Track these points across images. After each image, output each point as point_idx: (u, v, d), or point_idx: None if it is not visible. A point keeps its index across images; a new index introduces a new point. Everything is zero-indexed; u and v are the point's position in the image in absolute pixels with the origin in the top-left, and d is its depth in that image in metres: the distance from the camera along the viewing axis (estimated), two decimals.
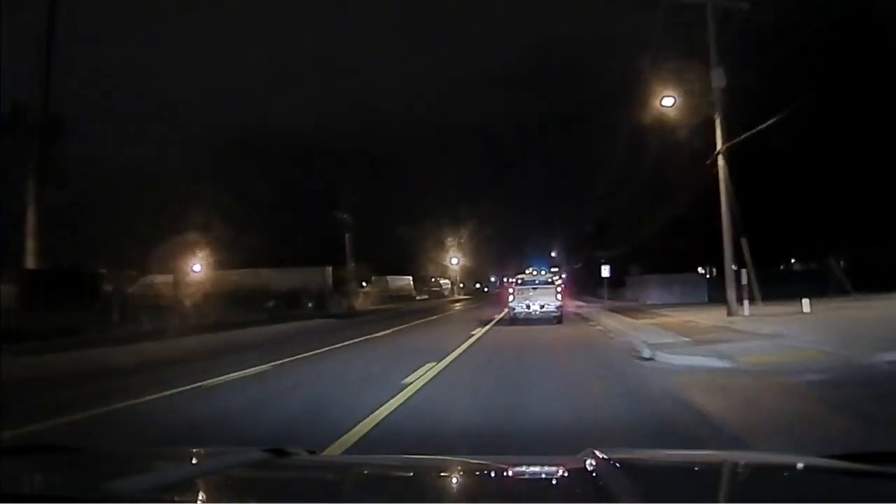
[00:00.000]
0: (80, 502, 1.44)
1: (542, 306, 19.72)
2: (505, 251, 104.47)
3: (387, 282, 62.81)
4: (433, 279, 77.55)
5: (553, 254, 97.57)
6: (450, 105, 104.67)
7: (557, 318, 19.69)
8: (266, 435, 5.67)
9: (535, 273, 23.25)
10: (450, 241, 79.44)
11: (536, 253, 75.78)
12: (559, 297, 20.25)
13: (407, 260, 76.94)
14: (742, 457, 2.31)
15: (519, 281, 20.99)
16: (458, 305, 48.30)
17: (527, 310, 19.73)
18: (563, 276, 68.07)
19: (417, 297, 68.82)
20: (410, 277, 68.76)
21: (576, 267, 78.12)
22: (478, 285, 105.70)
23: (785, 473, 1.78)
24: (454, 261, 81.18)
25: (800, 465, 1.78)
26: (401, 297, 64.55)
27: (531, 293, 20.18)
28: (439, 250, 79.36)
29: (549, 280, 21.23)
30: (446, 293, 76.34)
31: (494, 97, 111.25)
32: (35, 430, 6.11)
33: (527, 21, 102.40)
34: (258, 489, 1.80)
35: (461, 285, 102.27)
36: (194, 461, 2.09)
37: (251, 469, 1.88)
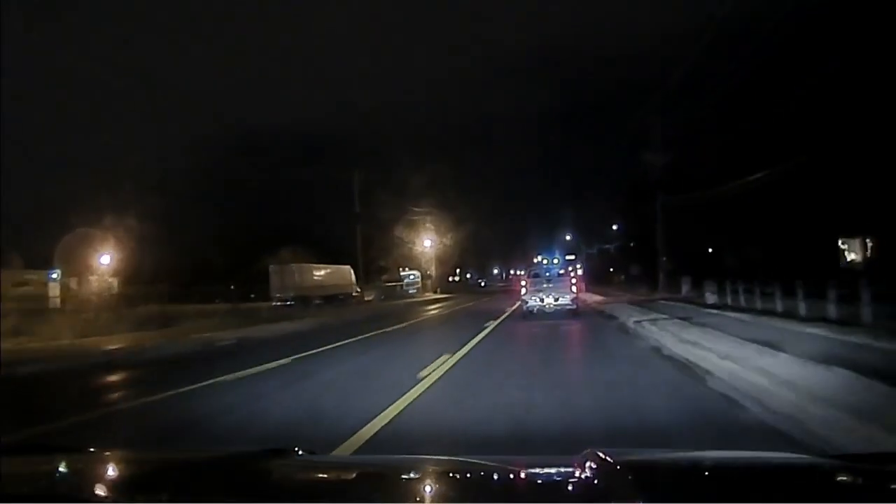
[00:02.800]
0: (80, 502, 1.43)
1: (556, 300, 18.14)
2: (511, 237, 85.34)
3: (293, 273, 38.17)
4: (402, 270, 52.79)
5: (568, 237, 75.59)
6: (451, 94, 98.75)
7: (573, 312, 18.07)
8: None
9: (546, 261, 23.15)
10: (421, 217, 54.64)
11: (547, 238, 64.62)
12: (574, 289, 18.64)
13: (365, 246, 53.08)
14: (742, 457, 2.17)
15: (532, 274, 19.64)
16: (410, 318, 23.64)
17: (540, 303, 18.16)
18: (580, 266, 46.62)
19: (366, 298, 44.29)
20: (348, 267, 43.93)
21: (607, 247, 54.56)
22: (461, 277, 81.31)
23: (785, 473, 1.76)
24: (427, 244, 56.13)
25: (800, 465, 1.84)
26: (329, 296, 40.22)
27: (545, 286, 18.50)
28: (409, 233, 54.75)
29: (563, 271, 19.60)
30: (413, 291, 51.41)
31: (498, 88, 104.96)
32: None
33: (529, 14, 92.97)
34: (258, 489, 1.76)
35: (451, 279, 77.95)
36: (194, 461, 2.03)
37: (251, 469, 1.90)
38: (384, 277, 51.20)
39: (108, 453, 2.39)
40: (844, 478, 1.63)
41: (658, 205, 24.71)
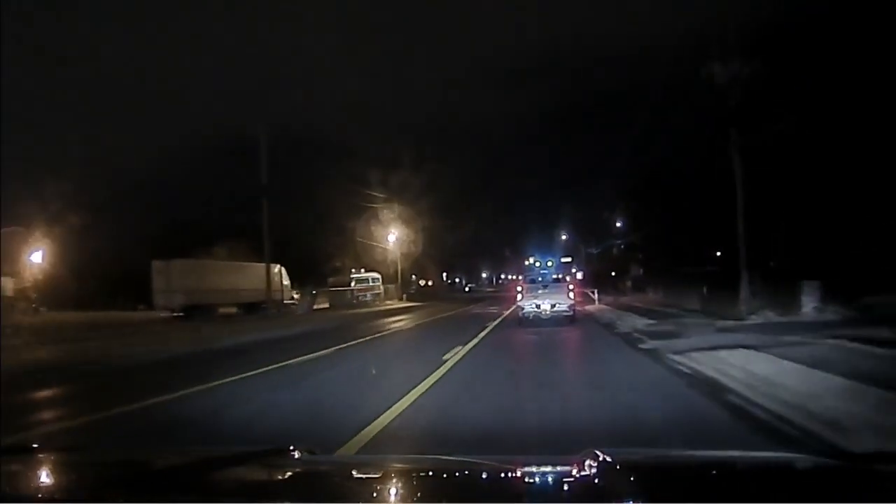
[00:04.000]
0: (80, 502, 1.41)
1: (553, 306, 17.01)
2: (503, 238, 78.17)
3: (181, 272, 27.14)
4: (354, 271, 41.58)
5: (564, 236, 66.07)
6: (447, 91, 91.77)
7: (570, 318, 17.05)
8: None
9: (538, 264, 22.33)
10: (384, 208, 43.84)
11: (542, 238, 57.01)
12: (572, 295, 17.51)
13: (318, 243, 42.93)
14: (742, 457, 2.17)
15: (528, 279, 18.78)
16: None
17: (536, 310, 17.04)
18: (575, 269, 44.36)
19: (303, 309, 33.33)
20: (276, 267, 32.72)
21: (618, 242, 44.23)
22: (435, 281, 71.08)
23: (785, 473, 1.73)
24: (391, 238, 45.09)
25: (800, 465, 1.82)
26: (246, 304, 29.54)
27: (541, 291, 17.61)
28: (373, 230, 43.98)
29: (559, 276, 18.97)
30: (370, 297, 40.28)
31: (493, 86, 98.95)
32: None
33: (524, 15, 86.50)
34: (258, 489, 1.73)
35: (427, 283, 67.29)
36: (194, 461, 1.92)
37: (251, 469, 1.86)
38: (331, 280, 39.98)
39: (107, 453, 2.42)
40: (844, 478, 1.58)
41: (734, 152, 13.97)
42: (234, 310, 30.90)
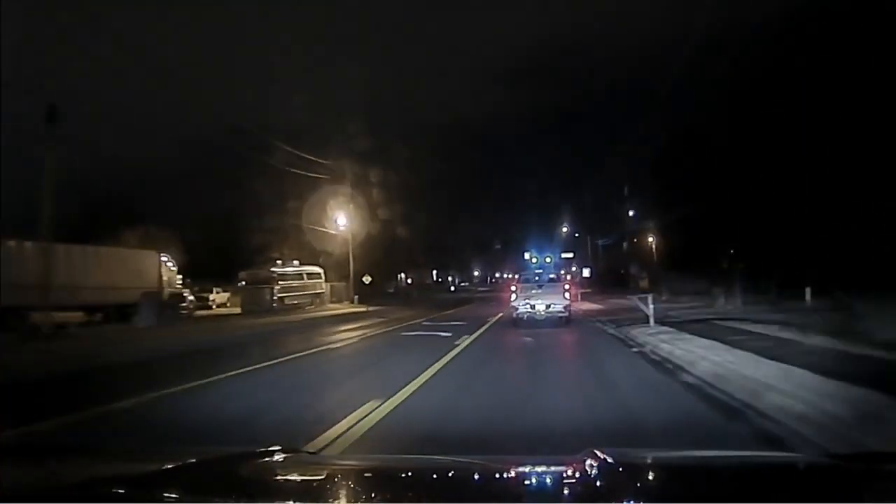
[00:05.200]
0: (80, 502, 1.40)
1: (548, 306, 16.51)
2: (497, 233, 75.76)
3: None
4: (279, 261, 32.03)
5: (565, 228, 58.32)
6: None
7: (566, 319, 16.50)
8: None
9: (535, 260, 21.27)
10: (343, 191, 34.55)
11: (540, 232, 54.51)
12: (567, 296, 16.98)
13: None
14: (742, 457, 2.18)
15: (523, 279, 18.24)
16: None
17: (531, 310, 16.59)
18: (575, 269, 42.39)
19: (145, 319, 24.00)
20: (149, 254, 23.20)
21: (648, 225, 35.55)
22: (447, 279, 62.81)
23: (785, 473, 1.75)
24: (341, 224, 35.60)
25: (800, 465, 1.86)
26: (92, 306, 20.13)
27: (536, 291, 17.05)
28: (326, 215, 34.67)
29: (556, 275, 18.60)
30: (304, 298, 30.85)
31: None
32: None
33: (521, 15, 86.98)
34: (258, 489, 1.70)
35: (406, 281, 58.44)
36: (194, 461, 1.91)
37: (251, 469, 1.83)
38: (242, 275, 30.29)
39: (105, 453, 2.43)
40: (842, 478, 1.59)
41: None
42: (78, 315, 21.53)
